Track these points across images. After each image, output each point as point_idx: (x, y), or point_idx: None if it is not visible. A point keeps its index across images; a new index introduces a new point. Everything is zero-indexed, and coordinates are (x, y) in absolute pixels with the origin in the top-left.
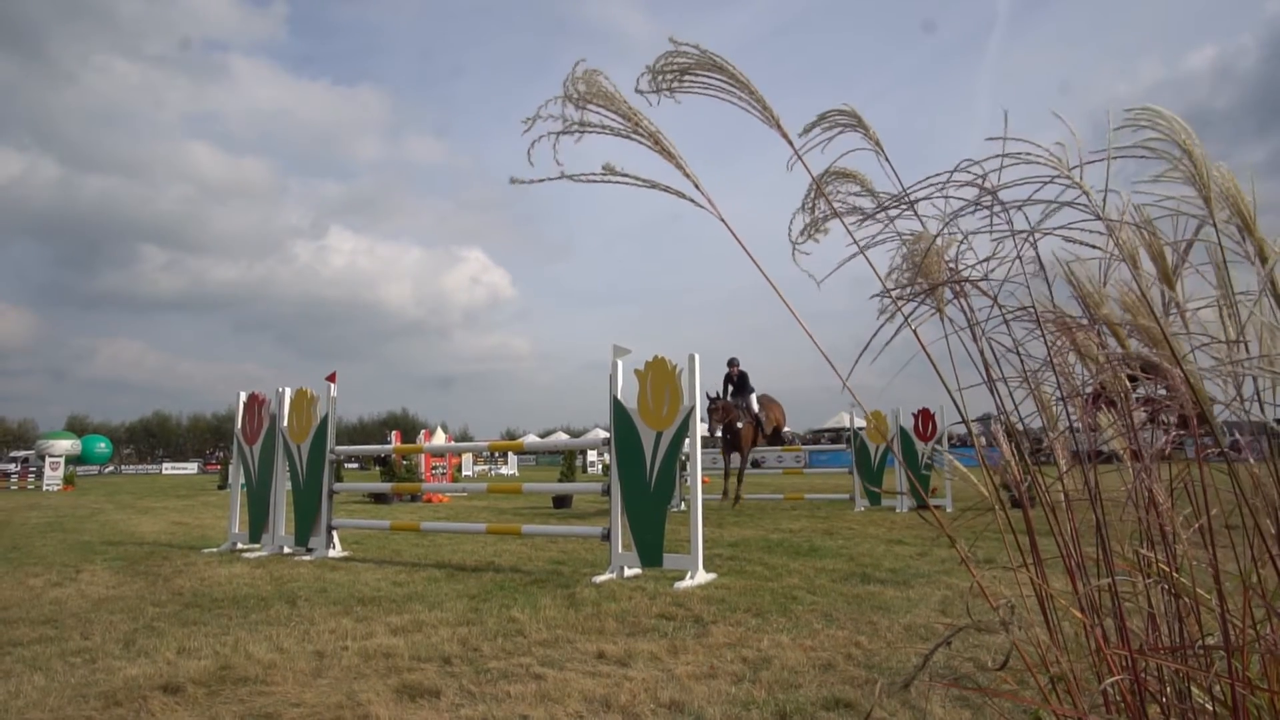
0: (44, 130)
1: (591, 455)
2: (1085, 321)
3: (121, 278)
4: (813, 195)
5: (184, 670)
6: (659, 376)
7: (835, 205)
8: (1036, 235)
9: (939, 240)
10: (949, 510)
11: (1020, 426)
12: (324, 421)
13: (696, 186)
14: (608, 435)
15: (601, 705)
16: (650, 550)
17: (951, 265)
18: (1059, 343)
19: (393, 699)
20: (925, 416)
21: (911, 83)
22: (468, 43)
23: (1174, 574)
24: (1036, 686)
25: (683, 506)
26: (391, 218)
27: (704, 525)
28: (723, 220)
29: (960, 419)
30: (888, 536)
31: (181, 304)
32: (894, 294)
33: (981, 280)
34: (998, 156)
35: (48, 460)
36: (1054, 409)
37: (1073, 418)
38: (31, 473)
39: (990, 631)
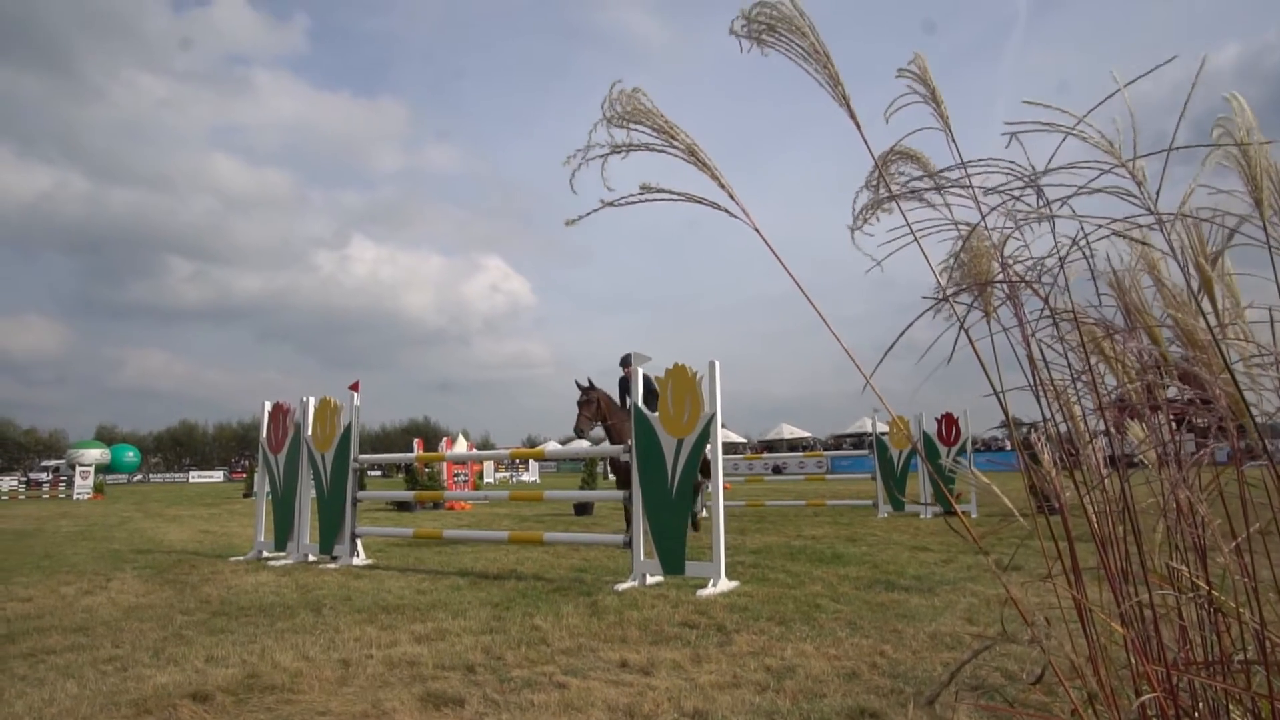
0: (73, 145)
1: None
2: (1125, 327)
3: (148, 289)
4: (876, 176)
5: (212, 678)
6: (680, 384)
7: (894, 188)
8: (1086, 231)
9: (991, 234)
10: (974, 516)
11: (1065, 429)
12: (347, 430)
13: (731, 197)
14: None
15: (625, 715)
16: (672, 558)
17: (1006, 263)
18: (1108, 349)
19: (417, 708)
20: (949, 421)
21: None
22: (485, 52)
23: (1209, 587)
24: (1069, 699)
25: (704, 513)
26: (412, 227)
27: (726, 532)
28: (757, 230)
29: (987, 423)
30: (912, 543)
31: (207, 314)
32: (946, 294)
33: (1035, 281)
34: (1039, 125)
35: (78, 469)
36: (1084, 420)
37: (1110, 425)
38: (62, 482)
39: (1019, 642)
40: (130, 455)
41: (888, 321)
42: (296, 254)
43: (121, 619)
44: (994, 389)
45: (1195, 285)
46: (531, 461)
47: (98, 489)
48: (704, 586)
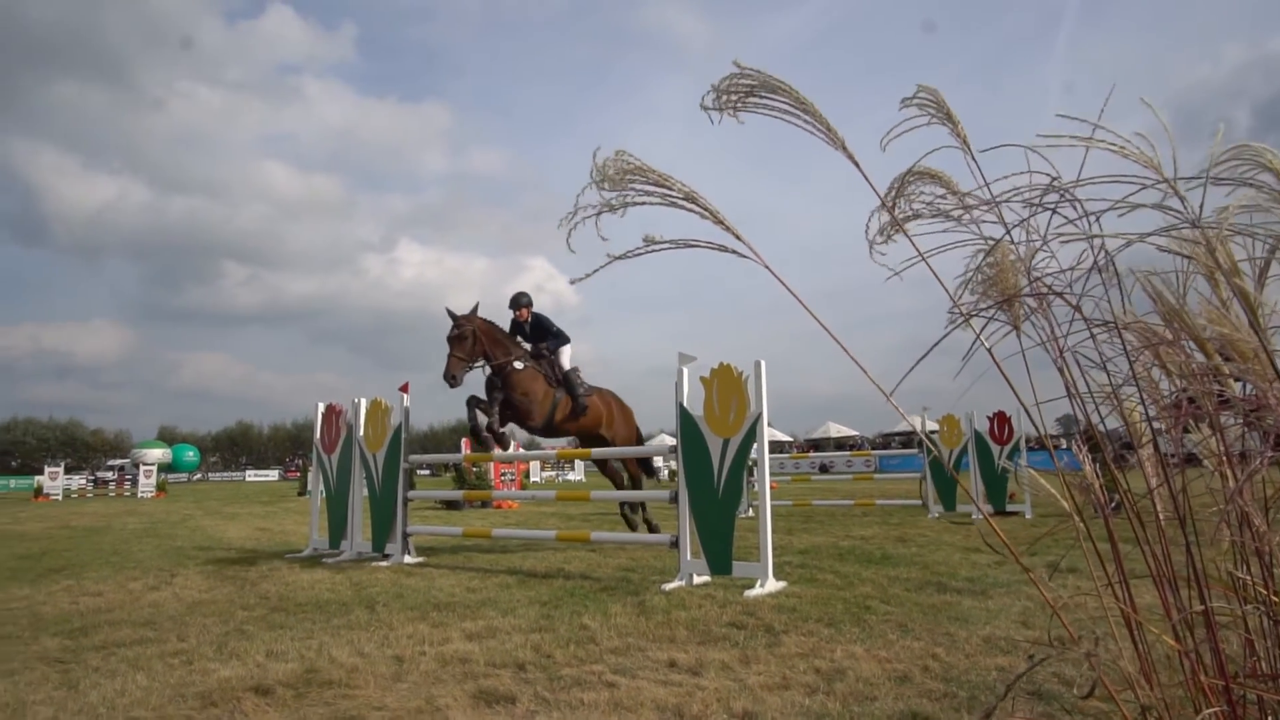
0: (134, 155)
1: (658, 461)
2: (1170, 335)
3: (205, 293)
4: (893, 194)
5: (273, 672)
6: (725, 384)
7: (916, 206)
8: (1120, 241)
9: (1017, 248)
10: (1028, 517)
11: (1103, 428)
12: (398, 431)
13: (737, 237)
14: (673, 442)
15: (674, 715)
16: (719, 558)
17: (1036, 278)
18: (1143, 356)
19: (470, 704)
20: (1001, 420)
21: (978, 76)
22: (528, 56)
23: (1270, 593)
24: (1123, 715)
25: (750, 513)
26: (458, 229)
27: (773, 532)
28: (767, 267)
29: (1038, 429)
30: (964, 544)
31: (261, 317)
32: (966, 309)
33: (1064, 291)
34: (1075, 140)
35: (142, 468)
36: (1139, 425)
37: (1157, 428)
38: (127, 480)
39: (1072, 649)
40: (190, 455)
41: (936, 317)
42: (346, 258)
43: (186, 614)
44: (1020, 402)
45: (1229, 297)
46: (577, 461)
47: (160, 487)
48: (751, 587)
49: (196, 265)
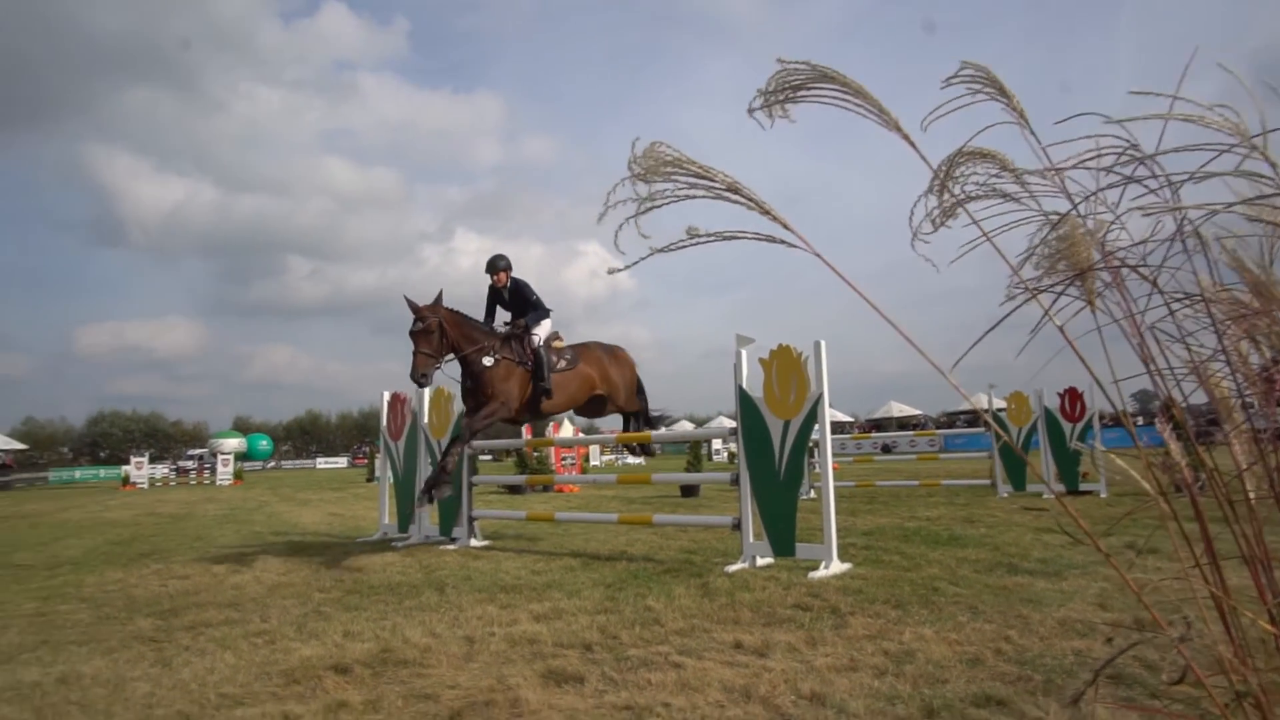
0: (202, 156)
1: (716, 444)
2: (1259, 305)
3: (272, 288)
4: (941, 177)
5: (350, 652)
6: (784, 365)
7: (969, 188)
8: (1202, 211)
9: (1085, 221)
10: (1103, 496)
11: (1184, 404)
12: (460, 417)
13: (786, 227)
14: (733, 424)
15: (742, 695)
16: (782, 540)
17: (1109, 251)
18: (1230, 330)
19: (539, 684)
20: (1073, 396)
21: (1042, 40)
22: (577, 41)
23: None
24: (1214, 701)
25: (812, 494)
26: (513, 217)
27: (836, 513)
28: (818, 255)
29: (1113, 405)
30: (1035, 524)
31: (325, 309)
32: (1031, 285)
33: (1140, 265)
34: (1155, 116)
35: (219, 457)
36: (1229, 400)
37: (1249, 403)
38: (207, 469)
39: (1158, 633)
40: (264, 444)
41: (999, 293)
42: (405, 248)
43: (266, 596)
44: (1095, 379)
45: None
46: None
47: (237, 475)
48: (815, 569)
49: (263, 261)
